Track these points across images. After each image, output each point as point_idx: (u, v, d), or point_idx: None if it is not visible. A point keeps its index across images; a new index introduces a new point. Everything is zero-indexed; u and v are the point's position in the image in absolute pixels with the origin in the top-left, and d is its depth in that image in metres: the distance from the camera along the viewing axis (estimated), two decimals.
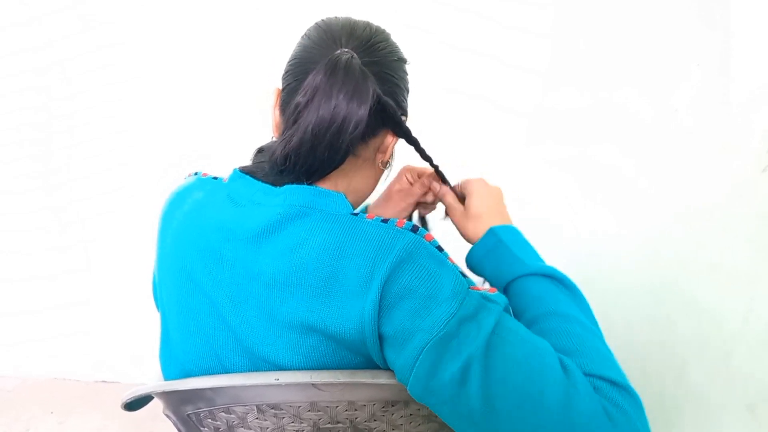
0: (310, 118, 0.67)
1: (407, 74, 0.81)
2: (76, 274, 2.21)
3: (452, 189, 0.96)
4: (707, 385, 1.34)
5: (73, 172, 2.11)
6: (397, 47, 0.78)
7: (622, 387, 0.64)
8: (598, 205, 1.59)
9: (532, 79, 1.63)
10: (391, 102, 0.73)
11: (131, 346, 2.22)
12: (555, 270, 0.77)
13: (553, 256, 1.58)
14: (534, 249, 0.83)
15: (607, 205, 1.57)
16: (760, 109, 1.24)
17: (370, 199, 1.06)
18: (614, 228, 1.55)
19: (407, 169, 1.06)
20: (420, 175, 1.04)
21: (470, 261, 0.85)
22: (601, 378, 0.64)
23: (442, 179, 0.97)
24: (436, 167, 0.92)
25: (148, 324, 2.07)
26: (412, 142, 0.79)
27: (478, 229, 0.85)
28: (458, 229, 0.91)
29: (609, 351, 0.69)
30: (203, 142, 2.00)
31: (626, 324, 1.52)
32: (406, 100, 0.81)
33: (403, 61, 0.79)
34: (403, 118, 0.79)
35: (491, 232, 0.83)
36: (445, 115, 1.72)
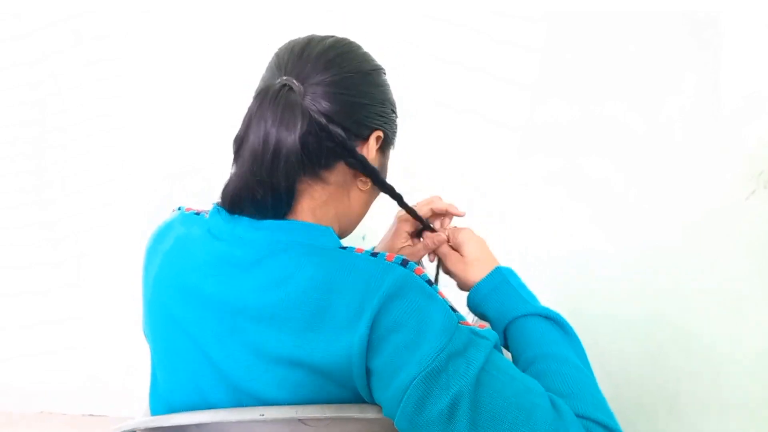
0: (245, 155, 0.68)
1: (380, 86, 0.78)
2: (65, 295, 2.18)
3: (430, 229, 0.96)
4: (700, 413, 1.33)
5: (67, 187, 2.10)
6: (362, 61, 0.76)
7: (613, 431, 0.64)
8: (591, 224, 1.58)
9: (523, 93, 1.64)
10: (338, 130, 0.70)
11: (119, 379, 2.19)
12: (556, 313, 0.78)
13: (544, 278, 1.58)
14: (532, 293, 0.84)
15: (599, 225, 1.57)
16: (745, 130, 1.25)
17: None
18: (607, 254, 1.55)
19: (403, 221, 1.01)
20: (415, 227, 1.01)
21: (474, 298, 0.85)
22: (594, 421, 0.64)
23: (422, 223, 0.95)
24: (409, 208, 0.89)
25: (137, 358, 2.05)
26: (369, 172, 0.75)
27: (480, 271, 0.86)
28: (455, 274, 0.90)
29: (602, 396, 0.69)
30: (197, 157, 2.00)
31: (618, 352, 1.51)
32: (380, 114, 0.77)
33: (367, 74, 0.75)
34: (378, 133, 0.77)
35: (497, 271, 0.84)
36: (435, 129, 1.73)
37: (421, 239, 1.00)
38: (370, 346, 0.62)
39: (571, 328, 0.78)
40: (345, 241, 0.75)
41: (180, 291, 0.72)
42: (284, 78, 0.70)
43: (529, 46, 1.62)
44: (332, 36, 0.77)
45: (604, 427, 0.64)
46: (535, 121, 1.64)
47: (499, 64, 1.66)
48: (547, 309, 0.78)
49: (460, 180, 1.73)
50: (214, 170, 1.96)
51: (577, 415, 0.64)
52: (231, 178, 0.72)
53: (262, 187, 0.68)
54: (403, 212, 0.98)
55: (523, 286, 0.83)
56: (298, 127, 0.67)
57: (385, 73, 0.81)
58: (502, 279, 0.82)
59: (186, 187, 2.02)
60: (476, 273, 0.86)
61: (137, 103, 2.01)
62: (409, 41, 1.70)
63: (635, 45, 1.46)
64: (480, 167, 1.72)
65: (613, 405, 0.70)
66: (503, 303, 0.80)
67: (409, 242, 1.00)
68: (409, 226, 1.00)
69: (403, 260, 0.66)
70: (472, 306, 0.86)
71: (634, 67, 1.47)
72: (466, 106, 1.71)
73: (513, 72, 1.65)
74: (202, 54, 1.92)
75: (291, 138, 0.66)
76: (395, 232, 1.01)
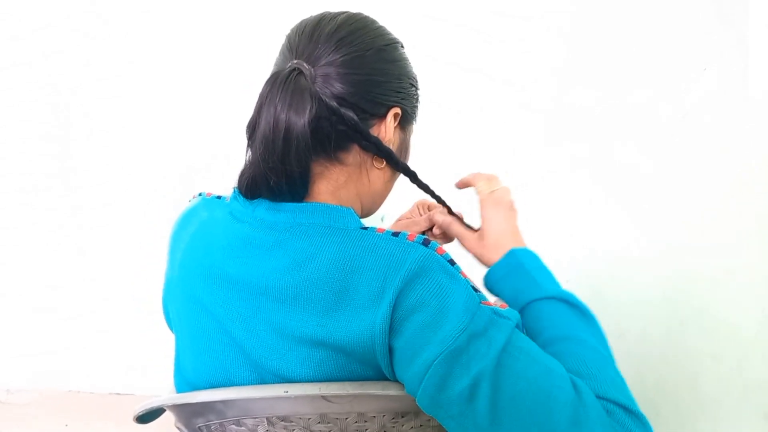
0: (257, 141, 0.68)
1: (396, 60, 0.76)
2: (91, 285, 2.23)
3: (453, 213, 0.94)
4: (722, 394, 1.33)
5: (66, 187, 2.13)
6: (375, 36, 0.74)
7: (634, 414, 0.64)
8: (613, 211, 1.58)
9: (548, 80, 1.63)
10: (349, 113, 0.70)
11: (146, 358, 2.23)
12: (572, 295, 0.77)
13: (565, 261, 1.58)
14: (551, 272, 0.81)
15: (622, 211, 1.56)
16: None
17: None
18: (629, 235, 1.54)
19: (420, 203, 1.02)
20: (430, 208, 1.00)
21: (488, 282, 0.83)
22: (614, 402, 0.64)
23: (438, 201, 0.92)
24: (424, 186, 0.85)
25: (162, 337, 2.09)
26: (384, 153, 0.74)
27: (496, 253, 0.83)
28: (473, 254, 0.87)
29: (622, 378, 0.68)
30: (197, 157, 2.02)
31: (640, 334, 1.51)
32: (397, 90, 0.75)
33: (381, 49, 0.74)
34: (396, 110, 0.75)
35: (511, 254, 0.81)
36: (463, 116, 1.72)
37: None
38: (392, 325, 0.63)
39: (588, 309, 0.76)
40: (365, 222, 0.75)
41: (204, 273, 0.73)
42: (295, 62, 0.70)
43: (557, 32, 1.61)
44: (345, 12, 0.75)
45: (625, 408, 0.64)
46: (536, 120, 1.64)
47: (502, 62, 1.66)
48: (563, 291, 0.77)
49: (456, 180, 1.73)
50: (214, 170, 1.98)
51: (598, 396, 0.64)
52: (246, 165, 0.72)
53: (275, 174, 0.68)
54: (422, 199, 0.98)
55: (539, 269, 0.80)
56: (308, 111, 0.66)
57: (402, 47, 0.79)
58: (517, 263, 0.80)
59: (186, 187, 2.03)
60: (492, 256, 0.83)
61: (137, 103, 2.02)
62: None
63: (659, 28, 1.44)
64: (506, 155, 1.72)
65: (634, 386, 0.69)
66: (517, 288, 0.79)
67: (417, 216, 0.99)
68: (422, 208, 1.00)
69: (425, 240, 0.66)
70: (488, 289, 0.84)
71: (661, 50, 1.45)
72: (463, 106, 1.70)
73: (539, 59, 1.63)
74: (202, 54, 1.93)
75: (300, 123, 0.66)
76: (409, 210, 1.02)
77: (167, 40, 1.96)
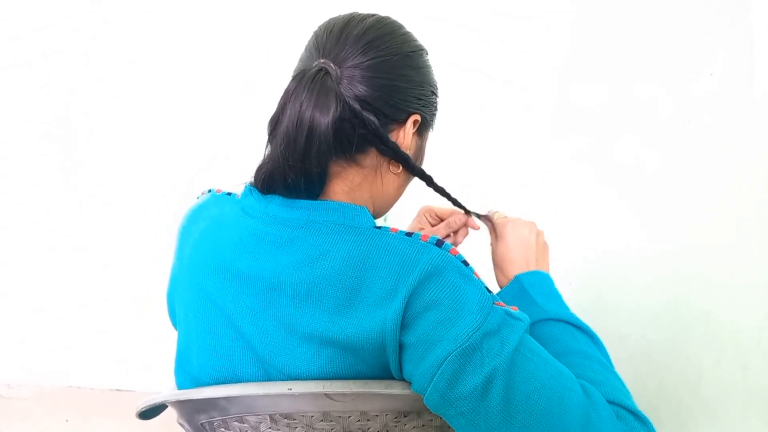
0: (279, 137, 0.68)
1: (420, 68, 0.77)
2: (92, 282, 2.23)
3: (469, 213, 0.96)
4: (725, 398, 1.32)
5: (66, 188, 2.13)
6: (402, 42, 0.75)
7: (641, 419, 0.66)
8: (613, 211, 1.58)
9: (549, 80, 1.63)
10: (371, 117, 0.70)
11: (146, 355, 2.23)
12: (576, 317, 0.79)
13: (567, 264, 1.57)
14: (559, 295, 0.83)
15: (622, 211, 1.56)
16: None
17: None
18: (629, 236, 1.54)
19: (426, 210, 1.04)
20: (440, 215, 1.03)
21: None
22: (623, 407, 0.66)
23: (455, 203, 0.94)
24: (441, 189, 0.87)
25: (164, 333, 2.08)
26: (401, 158, 0.75)
27: (501, 279, 0.87)
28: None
29: (627, 389, 0.71)
30: (197, 157, 2.02)
31: (642, 337, 1.51)
32: (418, 97, 0.76)
33: (406, 56, 0.75)
34: (415, 117, 0.76)
35: (516, 280, 0.84)
36: (463, 116, 1.73)
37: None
38: (404, 322, 0.64)
39: (591, 330, 0.78)
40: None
41: (215, 268, 0.73)
42: (321, 61, 0.71)
43: (559, 28, 1.61)
44: (373, 15, 0.76)
45: (634, 413, 0.66)
46: (534, 119, 1.64)
47: (502, 62, 1.66)
48: (567, 314, 0.79)
49: (458, 182, 1.73)
50: (214, 170, 1.98)
51: (608, 401, 0.65)
52: (264, 159, 0.72)
53: (294, 172, 0.69)
54: (426, 206, 1.01)
55: (545, 292, 0.82)
56: (332, 112, 0.67)
57: (427, 54, 0.80)
58: (521, 289, 0.83)
59: (186, 187, 2.03)
60: (499, 278, 0.87)
61: (137, 103, 2.02)
62: (437, 17, 1.68)
63: (664, 24, 1.44)
64: (476, 167, 1.72)
65: (636, 391, 0.70)
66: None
67: (429, 226, 1.02)
68: (430, 217, 1.02)
69: (438, 240, 0.67)
70: None
71: (667, 49, 1.45)
72: (463, 106, 1.70)
73: (543, 54, 1.63)
74: (202, 55, 1.93)
75: (324, 123, 0.67)
76: (416, 220, 1.04)
77: (167, 40, 1.96)
